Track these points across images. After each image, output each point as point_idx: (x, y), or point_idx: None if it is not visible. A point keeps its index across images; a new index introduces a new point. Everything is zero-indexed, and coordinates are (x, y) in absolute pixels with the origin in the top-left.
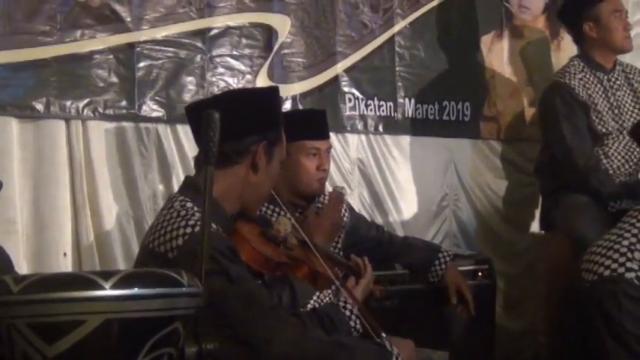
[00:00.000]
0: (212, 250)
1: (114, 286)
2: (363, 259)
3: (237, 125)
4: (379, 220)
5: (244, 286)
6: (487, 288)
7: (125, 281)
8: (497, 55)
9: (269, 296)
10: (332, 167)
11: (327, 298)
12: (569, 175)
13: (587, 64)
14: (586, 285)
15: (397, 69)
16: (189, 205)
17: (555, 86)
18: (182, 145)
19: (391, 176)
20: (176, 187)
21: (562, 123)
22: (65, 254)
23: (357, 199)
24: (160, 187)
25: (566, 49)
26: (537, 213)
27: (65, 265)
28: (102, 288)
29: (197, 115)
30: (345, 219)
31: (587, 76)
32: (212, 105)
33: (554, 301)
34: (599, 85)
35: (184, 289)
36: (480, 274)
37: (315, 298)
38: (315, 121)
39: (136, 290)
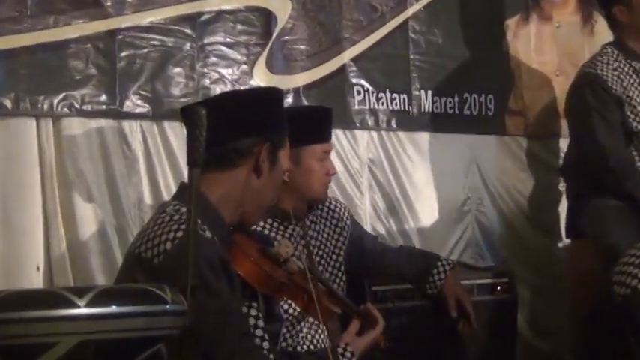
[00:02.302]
0: (199, 257)
1: (89, 304)
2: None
3: (238, 125)
4: (393, 228)
5: (222, 303)
6: (508, 303)
7: (101, 298)
8: (524, 41)
9: (246, 323)
10: (339, 168)
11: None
12: (599, 175)
13: (622, 51)
14: (618, 299)
15: (412, 57)
16: (183, 209)
17: (586, 78)
18: (170, 145)
19: (406, 178)
20: (164, 191)
21: (593, 118)
22: (38, 268)
23: (367, 204)
24: (146, 192)
25: (599, 33)
26: None
27: (38, 280)
28: (76, 306)
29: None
30: (346, 227)
31: (622, 65)
32: (212, 104)
33: (582, 317)
34: (634, 76)
35: (168, 306)
36: (499, 288)
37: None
38: (326, 122)
39: (113, 308)
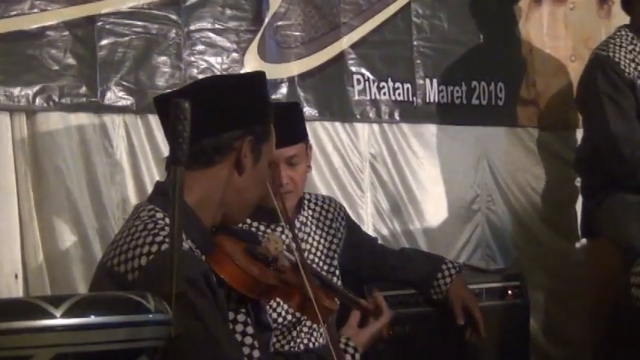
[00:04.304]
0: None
1: (66, 314)
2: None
3: (217, 117)
4: (397, 229)
5: (210, 327)
6: (519, 309)
7: (79, 308)
8: (536, 24)
9: (237, 347)
10: (340, 165)
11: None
12: (612, 167)
13: (637, 33)
14: (637, 303)
15: (415, 43)
16: (158, 215)
17: (596, 61)
18: (156, 140)
19: (410, 174)
20: (150, 190)
21: (605, 105)
22: (16, 276)
23: (369, 203)
24: (131, 192)
25: (617, 15)
26: None
27: (17, 289)
28: (51, 316)
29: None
30: (341, 227)
31: (637, 48)
32: (187, 94)
33: (600, 322)
34: None
35: (151, 315)
36: (509, 292)
37: (305, 331)
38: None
39: (92, 318)
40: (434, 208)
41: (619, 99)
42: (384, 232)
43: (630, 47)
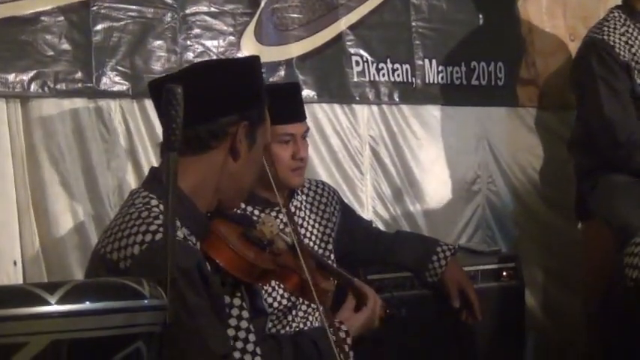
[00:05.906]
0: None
1: (60, 301)
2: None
3: (211, 103)
4: (397, 211)
5: (198, 322)
6: (514, 291)
7: (74, 294)
8: (535, 3)
9: (225, 344)
10: (339, 147)
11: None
12: (607, 151)
13: (630, 15)
14: (630, 283)
15: (413, 24)
16: (153, 202)
17: (591, 44)
18: (153, 125)
19: (411, 156)
20: None
21: (600, 88)
22: (15, 263)
23: (369, 186)
24: (128, 178)
25: None
26: None
27: (16, 276)
28: (46, 303)
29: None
30: (335, 212)
31: (631, 30)
32: (181, 79)
33: (595, 302)
34: None
35: (146, 301)
36: (504, 274)
37: (301, 315)
38: (288, 100)
39: (87, 305)
40: (434, 189)
41: (614, 83)
42: (385, 214)
43: (623, 29)
